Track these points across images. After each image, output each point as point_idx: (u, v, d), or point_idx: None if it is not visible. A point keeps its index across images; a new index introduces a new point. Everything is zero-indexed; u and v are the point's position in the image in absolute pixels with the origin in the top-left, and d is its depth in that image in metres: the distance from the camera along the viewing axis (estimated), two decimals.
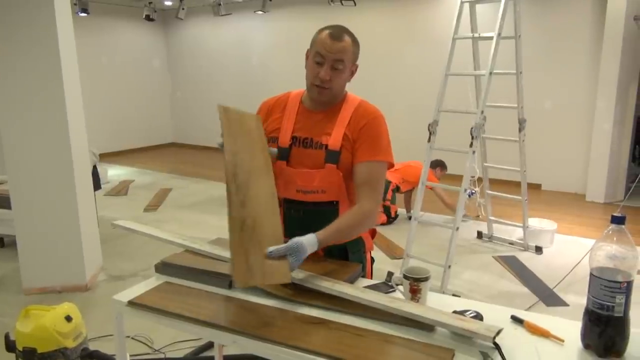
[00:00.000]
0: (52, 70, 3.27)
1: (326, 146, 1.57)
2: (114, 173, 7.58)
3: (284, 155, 1.61)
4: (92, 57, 8.50)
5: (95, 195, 4.03)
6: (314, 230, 1.61)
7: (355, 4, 6.80)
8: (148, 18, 8.22)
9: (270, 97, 1.75)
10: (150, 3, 8.11)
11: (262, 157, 1.54)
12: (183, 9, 7.91)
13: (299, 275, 1.44)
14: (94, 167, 4.42)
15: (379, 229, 4.81)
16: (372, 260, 1.76)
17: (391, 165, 1.62)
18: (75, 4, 7.09)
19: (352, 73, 1.62)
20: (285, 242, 1.40)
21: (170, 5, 8.98)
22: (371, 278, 1.71)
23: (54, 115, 3.31)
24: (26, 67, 3.24)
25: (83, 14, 7.38)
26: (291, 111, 1.65)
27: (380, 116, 1.61)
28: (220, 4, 7.68)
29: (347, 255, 1.65)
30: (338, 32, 1.54)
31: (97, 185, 4.38)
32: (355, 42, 1.58)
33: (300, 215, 1.61)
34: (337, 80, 1.55)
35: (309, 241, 1.40)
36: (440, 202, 4.90)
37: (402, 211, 5.25)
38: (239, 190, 1.41)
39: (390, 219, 5.04)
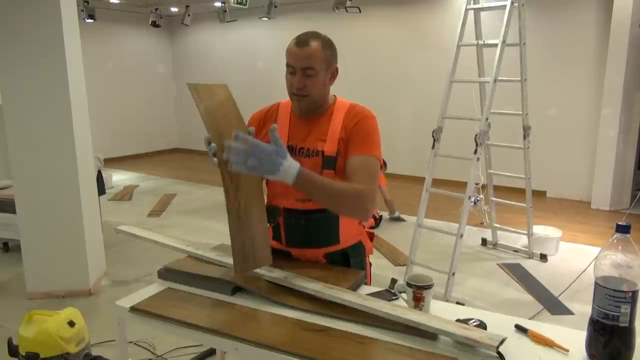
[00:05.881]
0: (59, 76, 3.29)
1: (322, 152, 1.56)
2: (118, 178, 7.61)
3: None
4: (98, 62, 8.56)
5: (99, 200, 4.04)
6: (315, 239, 1.61)
7: (360, 11, 6.81)
8: (154, 24, 8.28)
9: (262, 107, 1.73)
10: (156, 9, 8.17)
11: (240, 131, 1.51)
12: (189, 15, 7.97)
13: (301, 282, 1.43)
14: (99, 173, 4.44)
15: (383, 235, 4.80)
16: (370, 264, 1.75)
17: (381, 165, 1.58)
18: (82, 10, 7.15)
19: (333, 76, 1.59)
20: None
21: (176, 12, 9.05)
22: (370, 282, 1.70)
23: (60, 121, 3.33)
24: (33, 73, 3.27)
25: (89, 20, 7.44)
26: (283, 120, 1.64)
27: (372, 116, 1.59)
28: (225, 11, 7.73)
29: (349, 261, 1.65)
30: (304, 39, 1.52)
31: (101, 190, 4.40)
32: (326, 45, 1.54)
33: (300, 224, 1.60)
34: (312, 86, 1.53)
35: (290, 163, 1.31)
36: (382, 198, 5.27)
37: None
38: (232, 174, 1.42)
39: (377, 221, 5.10)
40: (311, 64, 1.51)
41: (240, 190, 1.42)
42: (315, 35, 1.55)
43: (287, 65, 1.55)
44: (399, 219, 5.32)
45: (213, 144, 1.38)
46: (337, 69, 1.61)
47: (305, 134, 1.60)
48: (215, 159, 1.38)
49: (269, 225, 1.68)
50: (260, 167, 1.28)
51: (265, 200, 1.58)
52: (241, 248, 1.44)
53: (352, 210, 1.51)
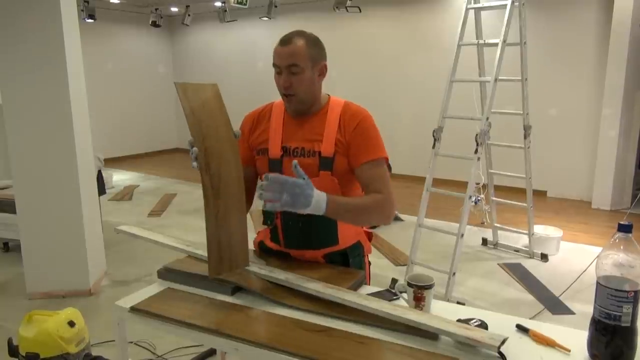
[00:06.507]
0: (59, 76, 3.29)
1: (319, 153, 1.54)
2: (118, 178, 7.61)
3: (276, 167, 1.58)
4: (98, 62, 8.56)
5: (99, 200, 4.04)
6: (314, 240, 1.61)
7: (360, 11, 6.81)
8: (154, 24, 8.28)
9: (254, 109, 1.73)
10: (156, 9, 8.17)
11: (225, 134, 1.49)
12: (189, 15, 7.96)
13: (302, 282, 1.43)
14: (99, 172, 4.44)
15: (383, 235, 4.80)
16: (369, 263, 1.75)
17: (387, 161, 1.58)
18: (82, 10, 7.15)
19: (321, 73, 1.58)
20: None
21: (176, 12, 9.05)
22: (369, 282, 1.70)
23: (60, 121, 3.33)
24: (33, 72, 3.27)
25: (90, 20, 7.43)
26: (277, 121, 1.63)
27: (369, 115, 1.59)
28: (225, 11, 7.72)
29: (348, 261, 1.64)
30: (287, 38, 1.52)
31: (101, 190, 4.39)
32: (310, 42, 1.54)
33: (298, 226, 1.59)
34: (298, 84, 1.52)
35: (318, 194, 1.36)
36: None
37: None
38: (212, 180, 1.42)
39: None
40: (295, 61, 1.50)
41: (221, 196, 1.43)
42: (299, 33, 1.54)
43: (274, 65, 1.55)
44: (396, 218, 5.31)
45: (195, 148, 1.39)
46: (325, 66, 1.59)
47: (300, 134, 1.59)
48: (195, 163, 1.40)
49: (266, 227, 1.68)
50: (295, 201, 1.32)
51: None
52: (217, 250, 1.45)
53: (377, 220, 1.57)
